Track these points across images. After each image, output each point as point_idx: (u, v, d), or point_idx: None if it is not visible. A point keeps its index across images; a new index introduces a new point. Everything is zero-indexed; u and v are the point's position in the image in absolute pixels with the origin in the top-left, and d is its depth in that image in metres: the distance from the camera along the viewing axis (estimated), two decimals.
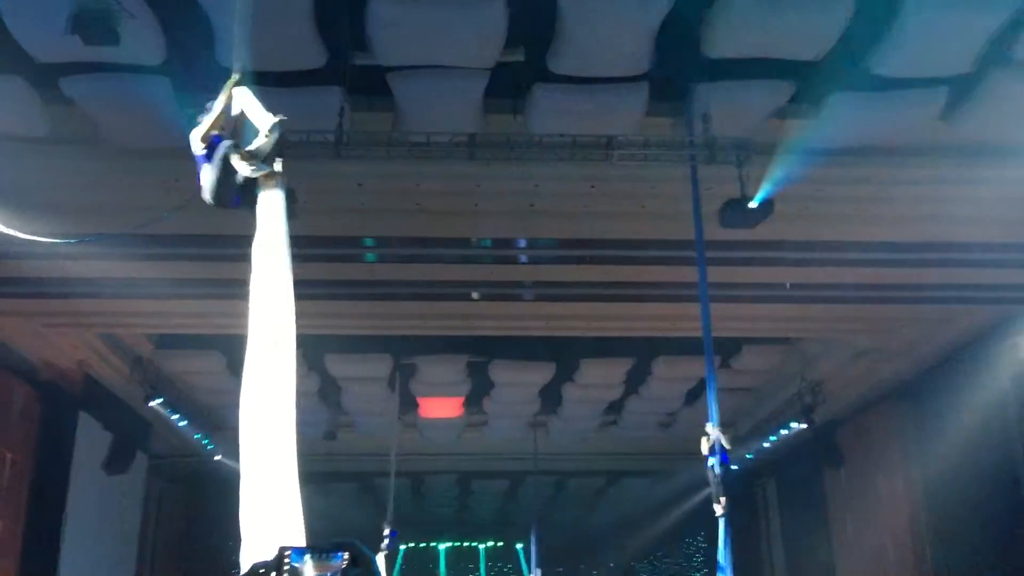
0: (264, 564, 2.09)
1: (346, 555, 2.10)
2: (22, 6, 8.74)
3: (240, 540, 4.16)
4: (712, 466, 9.51)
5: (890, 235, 12.35)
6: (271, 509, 4.15)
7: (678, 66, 10.45)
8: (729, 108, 10.38)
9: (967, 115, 10.60)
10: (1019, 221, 11.98)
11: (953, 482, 15.42)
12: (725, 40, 9.72)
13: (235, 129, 5.11)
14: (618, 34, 9.60)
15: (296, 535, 4.14)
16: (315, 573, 2.10)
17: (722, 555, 9.72)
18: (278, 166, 4.89)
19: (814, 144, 10.66)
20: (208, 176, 4.90)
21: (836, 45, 9.68)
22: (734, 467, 10.03)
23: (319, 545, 2.06)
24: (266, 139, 4.81)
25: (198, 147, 4.97)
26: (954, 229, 12.13)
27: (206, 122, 5.02)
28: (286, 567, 2.11)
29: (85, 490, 16.62)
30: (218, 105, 5.03)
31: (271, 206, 4.86)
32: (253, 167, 4.80)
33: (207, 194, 4.94)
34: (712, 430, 9.64)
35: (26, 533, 15.05)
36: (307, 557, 2.13)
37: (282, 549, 2.09)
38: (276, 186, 4.90)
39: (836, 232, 12.32)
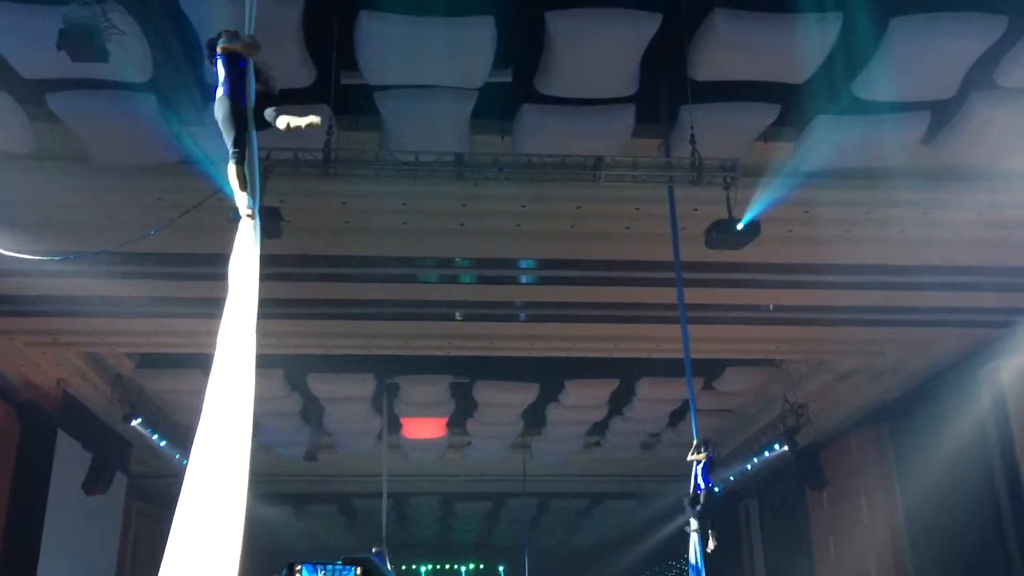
0: None
1: (359, 570, 2.08)
2: (10, 22, 8.70)
3: None
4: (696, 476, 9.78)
5: (874, 258, 12.44)
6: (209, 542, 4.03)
7: (664, 88, 10.56)
8: (715, 130, 10.44)
9: (949, 139, 10.74)
10: (999, 244, 12.11)
11: (934, 503, 15.46)
12: (711, 63, 9.81)
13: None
14: (606, 57, 9.68)
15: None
16: None
17: (696, 557, 9.93)
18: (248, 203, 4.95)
19: (799, 166, 10.79)
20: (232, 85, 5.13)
21: (821, 69, 9.79)
22: (717, 488, 10.16)
23: (331, 560, 2.03)
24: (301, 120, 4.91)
25: (210, 54, 5.10)
26: (935, 252, 12.23)
27: (226, 38, 5.07)
28: None
29: (64, 509, 16.42)
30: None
31: (244, 236, 4.92)
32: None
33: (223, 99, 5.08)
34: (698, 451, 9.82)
35: (4, 552, 14.83)
36: (319, 571, 2.10)
37: (292, 563, 2.07)
38: (252, 216, 4.96)
39: (821, 254, 12.39)
